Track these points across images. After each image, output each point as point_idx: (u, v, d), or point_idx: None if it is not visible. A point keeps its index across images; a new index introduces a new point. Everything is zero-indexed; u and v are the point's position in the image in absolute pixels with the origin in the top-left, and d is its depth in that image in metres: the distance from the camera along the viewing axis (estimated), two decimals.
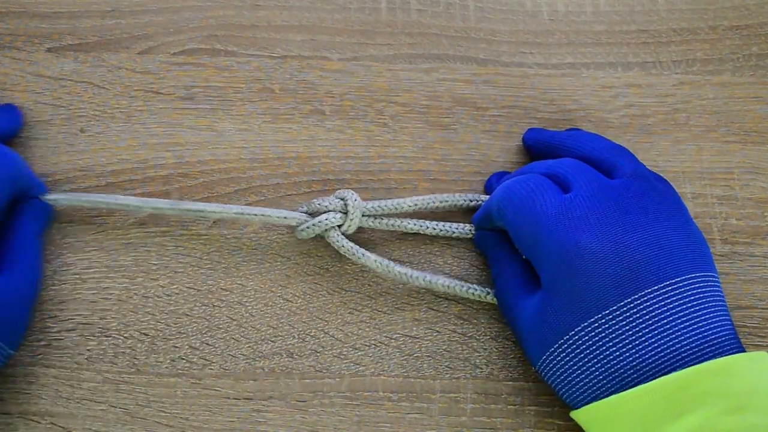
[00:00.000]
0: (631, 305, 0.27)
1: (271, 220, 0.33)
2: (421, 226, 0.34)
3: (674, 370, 0.27)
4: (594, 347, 0.28)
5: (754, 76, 0.39)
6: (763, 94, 0.38)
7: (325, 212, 0.33)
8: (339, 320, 0.34)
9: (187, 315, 0.34)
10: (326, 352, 0.34)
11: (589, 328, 0.28)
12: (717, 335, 0.27)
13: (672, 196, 0.30)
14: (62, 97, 0.37)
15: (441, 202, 0.35)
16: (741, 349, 0.28)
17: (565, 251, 0.29)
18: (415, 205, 0.34)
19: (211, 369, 0.33)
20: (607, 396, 0.28)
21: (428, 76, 0.38)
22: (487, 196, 0.35)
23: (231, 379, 0.33)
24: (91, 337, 0.34)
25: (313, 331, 0.34)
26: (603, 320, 0.28)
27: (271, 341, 0.34)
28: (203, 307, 0.34)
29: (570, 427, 0.33)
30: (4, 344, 0.29)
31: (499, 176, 0.36)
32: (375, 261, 0.33)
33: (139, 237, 0.35)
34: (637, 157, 0.33)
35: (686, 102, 0.38)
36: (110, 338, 0.34)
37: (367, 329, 0.34)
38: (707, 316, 0.28)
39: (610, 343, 0.28)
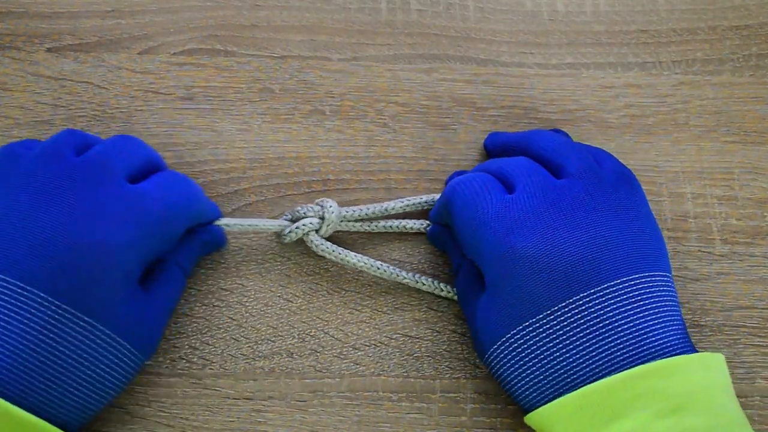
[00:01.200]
0: (566, 309, 0.27)
1: (257, 229, 0.33)
2: (384, 226, 0.35)
3: (611, 374, 0.26)
4: (531, 350, 0.28)
5: (754, 76, 0.39)
6: (763, 94, 0.38)
7: (304, 218, 0.33)
8: (339, 320, 0.34)
9: (187, 315, 0.34)
10: (326, 352, 0.34)
11: (525, 331, 0.28)
12: (658, 338, 0.27)
13: (626, 193, 0.30)
14: (62, 97, 0.37)
15: (424, 202, 0.35)
16: (688, 351, 0.27)
17: (501, 254, 0.28)
18: (394, 208, 0.34)
19: (211, 369, 0.33)
20: (552, 400, 0.28)
21: (428, 76, 0.38)
22: None
23: (231, 379, 0.33)
24: None
25: (313, 331, 0.34)
26: (538, 324, 0.28)
27: (271, 341, 0.34)
28: (203, 307, 0.34)
29: None
30: (142, 355, 0.30)
31: (458, 174, 0.35)
32: (355, 257, 0.33)
33: None
34: (596, 151, 0.32)
35: (686, 102, 0.38)
36: None
37: (367, 329, 0.34)
38: (647, 319, 0.27)
39: (547, 347, 0.28)
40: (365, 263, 0.33)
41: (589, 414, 0.26)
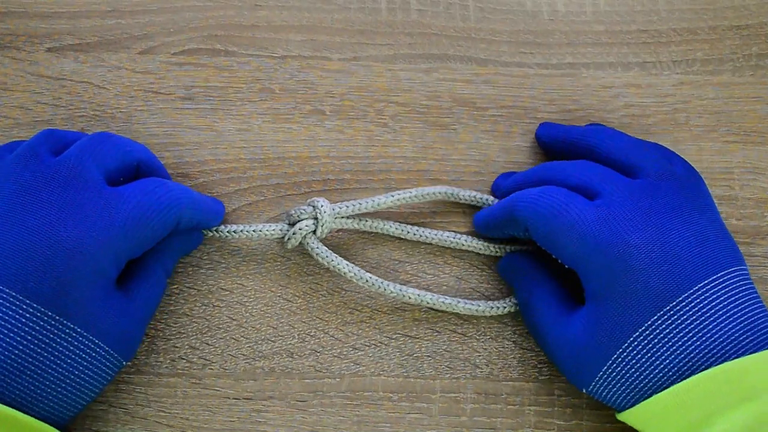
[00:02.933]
0: (688, 300, 0.28)
1: (258, 236, 0.33)
2: (402, 230, 0.35)
3: (731, 359, 0.27)
4: (653, 349, 0.28)
5: (754, 76, 0.39)
6: (763, 94, 0.38)
7: (299, 221, 0.33)
8: (339, 320, 0.34)
9: (187, 315, 0.34)
10: (326, 352, 0.34)
11: (648, 331, 0.28)
12: (765, 325, 0.28)
13: (700, 191, 0.31)
14: (62, 97, 0.37)
15: (414, 196, 0.35)
16: None
17: (616, 253, 0.28)
18: (387, 201, 0.34)
19: (211, 369, 0.33)
20: (663, 389, 0.28)
21: (428, 76, 0.38)
22: (483, 195, 0.35)
23: (231, 379, 0.33)
24: None
25: (313, 331, 0.34)
26: (662, 319, 0.28)
27: (271, 341, 0.34)
28: (203, 307, 0.34)
29: (570, 427, 0.33)
30: (121, 357, 0.30)
31: (506, 176, 0.36)
32: (347, 266, 0.33)
33: None
34: (662, 149, 0.32)
35: (686, 102, 0.38)
36: None
37: (367, 329, 0.34)
38: (753, 307, 0.28)
39: (672, 340, 0.27)
40: (354, 274, 0.33)
41: (714, 397, 0.26)
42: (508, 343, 0.34)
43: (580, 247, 0.29)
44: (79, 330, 0.28)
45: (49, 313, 0.27)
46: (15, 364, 0.26)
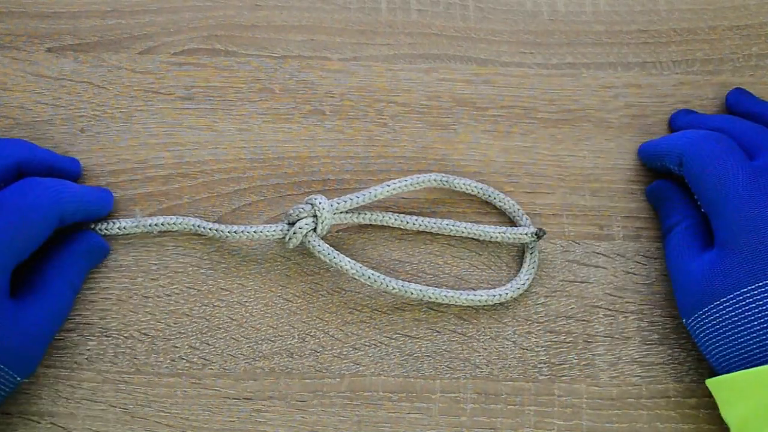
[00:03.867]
0: None
1: (259, 237, 0.33)
2: (401, 221, 0.35)
3: None
4: (760, 308, 0.28)
5: (754, 76, 0.39)
6: (763, 94, 0.38)
7: (298, 220, 0.33)
8: (339, 320, 0.34)
9: (187, 315, 0.34)
10: (326, 352, 0.34)
11: (762, 289, 0.29)
12: None
13: None
14: (62, 97, 0.37)
15: (409, 184, 0.35)
16: None
17: (751, 216, 0.30)
18: (383, 191, 0.34)
19: (211, 369, 0.33)
20: (758, 364, 0.28)
21: (428, 76, 0.38)
22: None
23: (231, 379, 0.33)
24: (91, 337, 0.34)
25: (313, 331, 0.34)
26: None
27: (271, 341, 0.34)
28: (203, 307, 0.34)
29: (570, 427, 0.33)
30: (15, 373, 0.29)
31: (687, 113, 0.37)
32: (348, 263, 0.33)
33: (139, 237, 0.35)
34: None
35: (686, 102, 0.38)
36: (110, 338, 0.34)
37: (367, 329, 0.34)
38: None
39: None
40: (356, 271, 0.33)
41: None
42: (508, 343, 0.34)
43: (721, 198, 0.31)
44: None
45: None
46: None
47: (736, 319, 0.29)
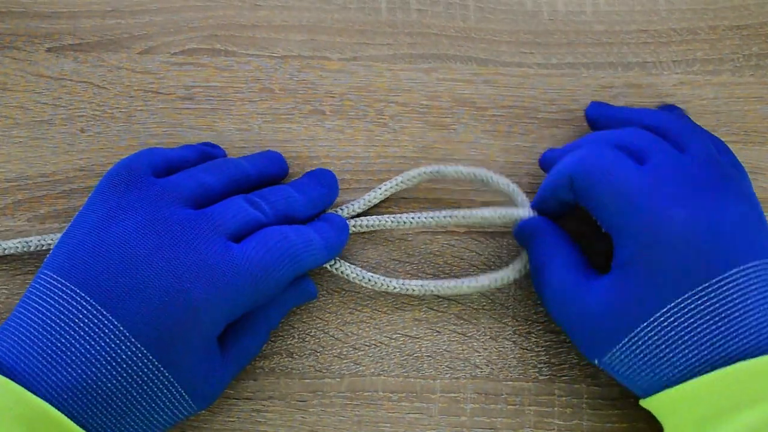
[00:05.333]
0: (721, 282, 0.27)
1: None
2: (397, 221, 0.34)
3: (755, 355, 0.26)
4: (681, 329, 0.27)
5: (754, 76, 0.39)
6: (763, 94, 0.38)
7: None
8: (339, 320, 0.34)
9: None
10: (326, 352, 0.34)
11: (679, 307, 0.27)
12: None
13: (744, 179, 0.30)
14: (62, 97, 0.37)
15: (401, 182, 0.35)
16: None
17: (657, 222, 0.27)
18: (377, 194, 0.34)
19: None
20: (684, 381, 0.27)
21: (428, 76, 0.38)
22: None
23: (234, 378, 0.33)
24: None
25: (313, 331, 0.34)
26: (693, 298, 0.27)
27: (271, 341, 0.34)
28: None
29: (570, 427, 0.33)
30: (197, 408, 0.29)
31: (553, 150, 0.35)
32: (348, 268, 0.33)
33: None
34: (716, 142, 0.32)
35: (686, 102, 0.38)
36: None
37: (367, 329, 0.34)
38: None
39: (698, 325, 0.27)
40: (357, 275, 0.33)
41: (732, 393, 0.26)
42: (508, 343, 0.34)
43: (621, 209, 0.28)
44: (172, 380, 0.27)
45: (150, 357, 0.27)
46: (105, 396, 0.26)
47: (658, 343, 0.27)
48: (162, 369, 0.27)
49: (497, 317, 0.35)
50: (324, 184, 0.34)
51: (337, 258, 0.33)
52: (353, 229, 0.34)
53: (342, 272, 0.33)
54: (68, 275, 0.27)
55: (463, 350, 0.34)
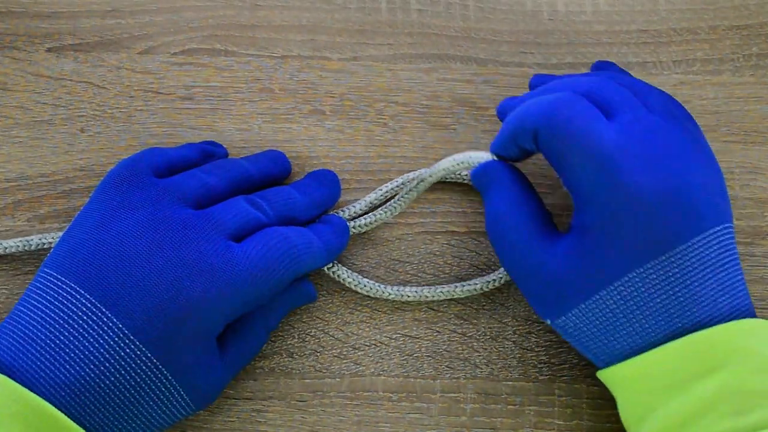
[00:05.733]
0: (686, 250, 0.26)
1: None
2: (390, 209, 0.34)
3: (709, 325, 0.26)
4: (641, 297, 0.26)
5: (754, 76, 0.39)
6: (763, 94, 0.38)
7: None
8: (339, 320, 0.34)
9: None
10: (326, 352, 0.34)
11: (642, 275, 0.26)
12: (744, 294, 0.27)
13: (701, 137, 0.29)
14: (62, 97, 0.37)
15: (400, 185, 0.35)
16: (755, 313, 0.27)
17: (627, 188, 0.26)
18: (377, 195, 0.35)
19: None
20: (639, 353, 0.27)
21: (428, 76, 0.38)
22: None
23: (233, 378, 0.33)
24: None
25: (313, 331, 0.34)
26: (657, 266, 0.26)
27: (271, 341, 0.34)
28: None
29: (570, 427, 0.33)
30: (196, 408, 0.29)
31: (512, 99, 0.33)
32: (345, 272, 0.34)
33: None
34: (670, 101, 0.30)
35: (686, 102, 0.38)
36: None
37: (367, 329, 0.34)
38: (737, 272, 0.27)
39: (657, 294, 0.26)
40: (352, 279, 0.33)
41: (680, 367, 0.26)
42: (508, 343, 0.34)
43: (587, 170, 0.27)
44: (170, 378, 0.28)
45: (149, 355, 0.27)
46: (103, 394, 0.26)
47: (616, 311, 0.27)
48: (160, 367, 0.27)
49: (497, 317, 0.35)
50: (326, 185, 0.34)
51: (335, 261, 0.34)
52: (354, 230, 0.34)
53: (339, 276, 0.33)
54: (68, 273, 0.27)
55: (463, 350, 0.34)
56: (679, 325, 0.26)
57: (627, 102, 0.28)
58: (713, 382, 0.25)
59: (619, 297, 0.26)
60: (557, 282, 0.28)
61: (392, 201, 0.34)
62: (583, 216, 0.27)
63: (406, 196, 0.34)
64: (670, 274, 0.26)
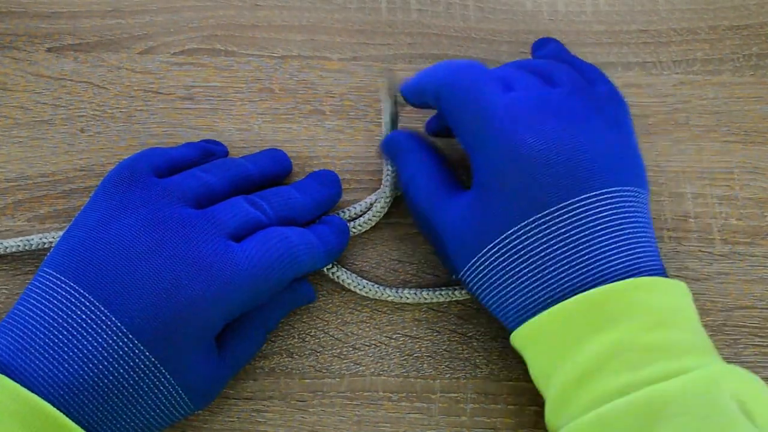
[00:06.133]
0: (571, 207, 0.27)
1: None
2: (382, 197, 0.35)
3: (601, 284, 0.26)
4: (527, 252, 0.27)
5: (754, 76, 0.39)
6: (763, 94, 0.38)
7: None
8: (339, 320, 0.34)
9: None
10: (326, 352, 0.34)
11: (526, 229, 0.27)
12: (645, 254, 0.27)
13: (617, 110, 0.30)
14: (62, 97, 0.37)
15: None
16: (664, 273, 0.28)
17: (512, 148, 0.28)
18: (379, 201, 0.35)
19: None
20: (537, 313, 0.28)
21: None
22: None
23: (231, 379, 0.33)
24: None
25: (313, 331, 0.34)
26: (541, 221, 0.27)
27: (271, 341, 0.34)
28: None
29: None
30: (195, 408, 0.29)
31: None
32: (345, 274, 0.34)
33: None
34: (591, 70, 0.32)
35: (686, 102, 0.38)
36: None
37: (367, 329, 0.34)
38: (638, 233, 0.27)
39: (544, 250, 0.27)
40: (352, 281, 0.34)
41: (577, 325, 0.26)
42: (508, 343, 0.34)
43: (479, 130, 0.29)
44: (168, 377, 0.28)
45: (147, 353, 0.27)
46: (101, 392, 0.26)
47: (506, 264, 0.28)
48: (159, 366, 0.27)
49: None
50: (327, 186, 0.34)
51: (335, 263, 0.34)
52: (354, 230, 0.34)
53: (338, 277, 0.33)
54: (67, 272, 0.27)
55: (463, 350, 0.34)
56: (571, 282, 0.27)
57: (527, 79, 0.30)
58: (607, 338, 0.26)
59: (505, 250, 0.28)
60: (456, 237, 0.29)
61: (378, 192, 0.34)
62: (478, 175, 0.29)
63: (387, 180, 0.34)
64: (553, 229, 0.27)
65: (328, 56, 0.38)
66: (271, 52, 0.38)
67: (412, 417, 0.33)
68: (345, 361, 0.34)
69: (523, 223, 0.27)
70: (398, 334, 0.34)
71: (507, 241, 0.28)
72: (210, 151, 0.34)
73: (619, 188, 0.27)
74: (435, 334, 0.34)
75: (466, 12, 0.39)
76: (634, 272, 0.27)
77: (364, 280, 0.34)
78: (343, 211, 0.35)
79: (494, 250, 0.28)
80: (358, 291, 0.34)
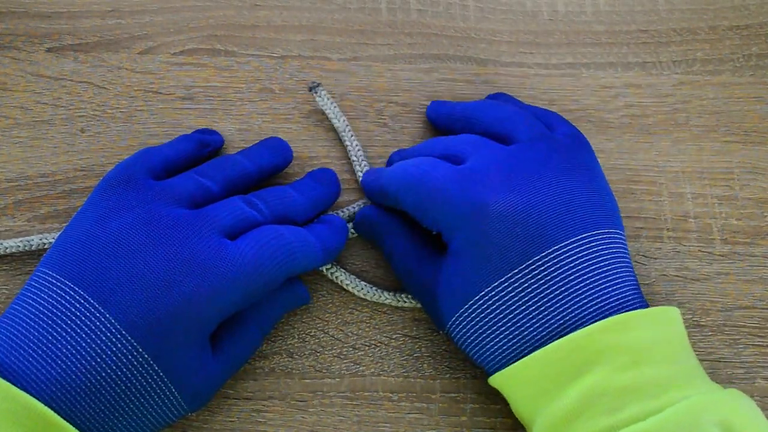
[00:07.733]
0: (538, 264, 0.28)
1: None
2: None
3: (577, 330, 0.27)
4: (501, 309, 0.28)
5: (754, 76, 0.39)
6: (763, 94, 0.38)
7: None
8: (339, 320, 0.34)
9: None
10: (326, 352, 0.34)
11: (497, 290, 0.28)
12: (619, 293, 0.28)
13: (579, 155, 0.31)
14: (62, 97, 0.37)
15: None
16: (642, 305, 0.28)
17: (471, 212, 0.29)
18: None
19: None
20: (518, 360, 0.28)
21: (428, 76, 0.38)
22: None
23: (231, 379, 0.33)
24: None
25: (313, 331, 0.34)
26: (510, 281, 0.28)
27: (271, 341, 0.34)
28: None
29: None
30: (188, 408, 0.29)
31: (399, 153, 0.36)
32: (344, 275, 0.34)
33: None
34: (550, 116, 0.33)
35: (686, 102, 0.38)
36: None
37: (367, 329, 0.34)
38: (609, 274, 0.28)
39: (517, 305, 0.28)
40: (350, 282, 0.34)
41: (553, 372, 0.27)
42: None
43: (441, 207, 0.30)
44: (162, 375, 0.27)
45: (140, 350, 0.27)
46: (95, 390, 0.26)
47: (484, 319, 0.29)
48: (152, 364, 0.27)
49: None
50: (324, 184, 0.34)
51: (334, 263, 0.34)
52: (353, 230, 0.34)
53: (337, 278, 0.34)
54: (62, 271, 0.27)
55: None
56: (547, 330, 0.28)
57: (479, 146, 0.31)
58: (583, 384, 0.26)
59: (484, 307, 0.29)
60: (436, 299, 0.31)
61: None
62: (451, 246, 0.30)
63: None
64: (525, 285, 0.28)
65: (328, 56, 0.38)
66: (271, 52, 0.38)
67: (412, 417, 0.33)
68: (345, 361, 0.34)
69: (496, 283, 0.28)
70: (398, 334, 0.34)
71: (483, 300, 0.29)
72: (205, 142, 0.34)
73: (588, 234, 0.28)
74: (435, 334, 0.34)
75: (466, 12, 0.39)
76: (608, 312, 0.27)
77: (362, 282, 0.34)
78: (342, 211, 0.35)
79: (473, 308, 0.29)
80: (356, 293, 0.34)
